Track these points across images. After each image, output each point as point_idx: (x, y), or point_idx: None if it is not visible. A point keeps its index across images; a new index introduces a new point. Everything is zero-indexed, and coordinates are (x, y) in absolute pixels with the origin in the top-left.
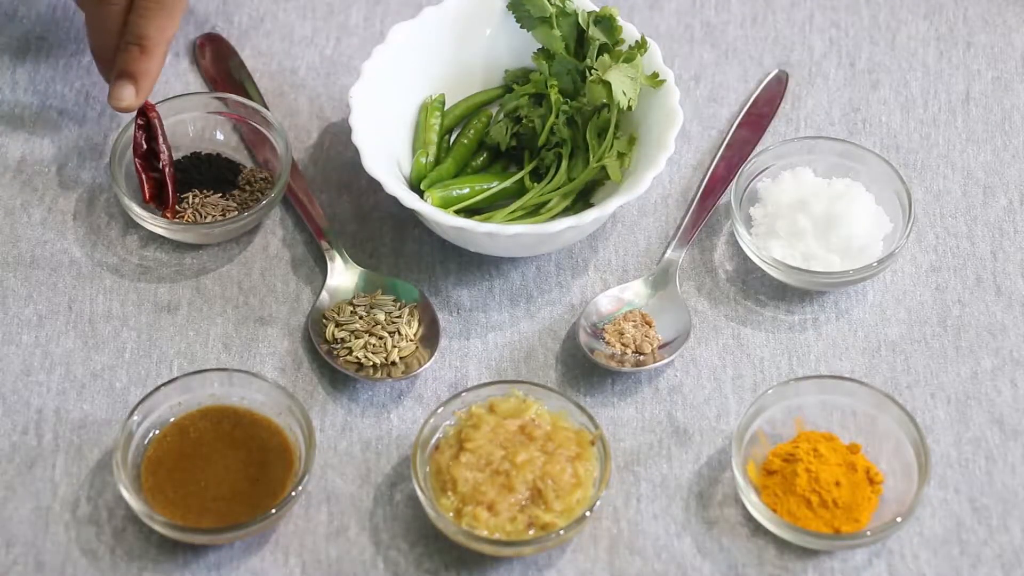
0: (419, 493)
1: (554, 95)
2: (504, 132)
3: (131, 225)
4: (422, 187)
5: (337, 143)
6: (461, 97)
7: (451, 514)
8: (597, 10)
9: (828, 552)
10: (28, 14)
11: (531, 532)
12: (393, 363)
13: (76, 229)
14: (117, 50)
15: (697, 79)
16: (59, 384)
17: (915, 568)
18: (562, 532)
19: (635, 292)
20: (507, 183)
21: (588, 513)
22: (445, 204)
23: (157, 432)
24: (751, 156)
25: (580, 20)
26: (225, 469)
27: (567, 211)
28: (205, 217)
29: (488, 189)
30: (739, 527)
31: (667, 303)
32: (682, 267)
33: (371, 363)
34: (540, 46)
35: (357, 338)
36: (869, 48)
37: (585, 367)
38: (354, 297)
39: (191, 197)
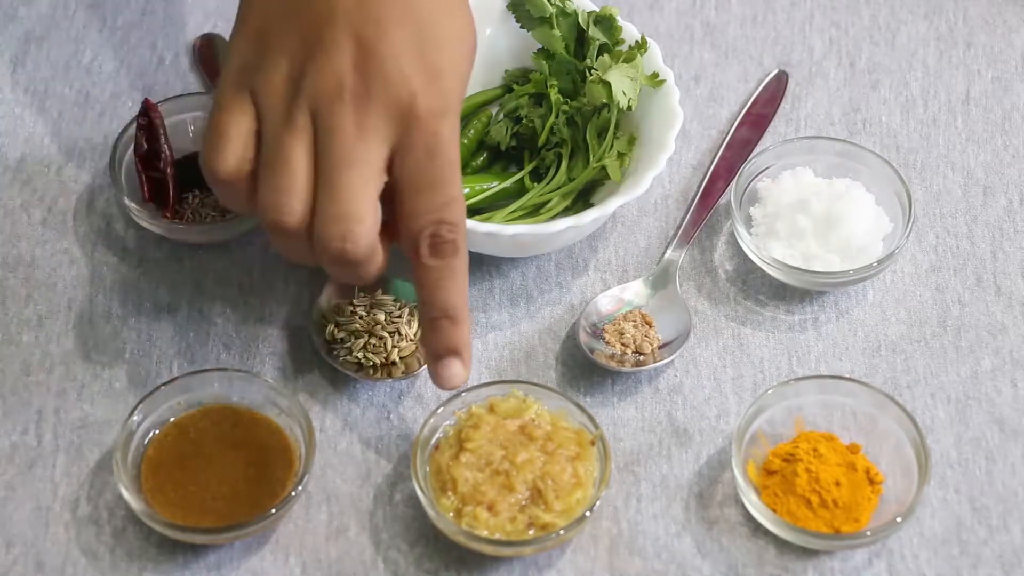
0: (419, 493)
1: (554, 95)
2: (504, 132)
3: (131, 225)
4: None
5: None
6: None
7: (451, 514)
8: (597, 10)
9: (828, 552)
10: (28, 14)
11: (531, 532)
12: (393, 363)
13: (76, 229)
14: (423, 328)
15: (697, 79)
16: (59, 384)
17: (915, 568)
18: (562, 532)
19: (635, 292)
20: (507, 183)
21: (588, 513)
22: None
23: (157, 432)
24: (751, 156)
25: (580, 20)
26: (225, 469)
27: (567, 211)
28: (205, 217)
29: (488, 189)
30: (739, 527)
31: (667, 303)
32: (682, 267)
33: (371, 363)
34: (540, 46)
35: (357, 338)
36: (869, 48)
37: (585, 367)
38: (354, 297)
39: (191, 197)
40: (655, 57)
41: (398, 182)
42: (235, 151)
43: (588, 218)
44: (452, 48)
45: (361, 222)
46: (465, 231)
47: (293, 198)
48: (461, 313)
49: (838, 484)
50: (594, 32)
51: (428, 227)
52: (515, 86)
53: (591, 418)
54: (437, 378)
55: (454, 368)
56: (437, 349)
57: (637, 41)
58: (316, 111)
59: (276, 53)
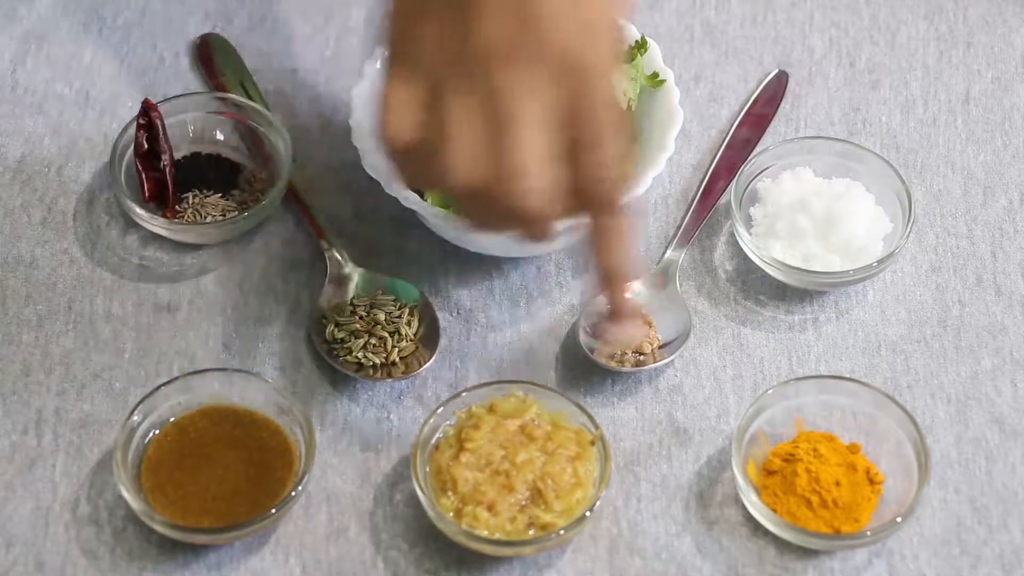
0: (419, 493)
1: None
2: None
3: (131, 225)
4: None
5: (337, 143)
6: None
7: (451, 514)
8: None
9: (828, 552)
10: (28, 14)
11: (531, 532)
12: (393, 363)
13: (76, 229)
14: (604, 290)
15: (697, 79)
16: (59, 384)
17: (915, 568)
18: (562, 532)
19: (635, 292)
20: None
21: (588, 513)
22: (445, 204)
23: (157, 432)
24: (751, 156)
25: None
26: (225, 469)
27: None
28: (205, 217)
29: None
30: (739, 527)
31: (667, 303)
32: (682, 267)
33: (371, 363)
34: None
35: (357, 338)
36: (869, 48)
37: (585, 367)
38: (354, 297)
39: (191, 197)
40: (655, 57)
41: (567, 140)
42: (407, 121)
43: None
44: (606, 4)
45: (534, 177)
46: (629, 188)
47: (469, 161)
48: (623, 274)
49: (838, 484)
50: None
51: (592, 185)
52: None
53: (591, 418)
54: (611, 337)
55: (626, 328)
56: (620, 312)
57: (637, 41)
58: (479, 74)
59: (432, 21)
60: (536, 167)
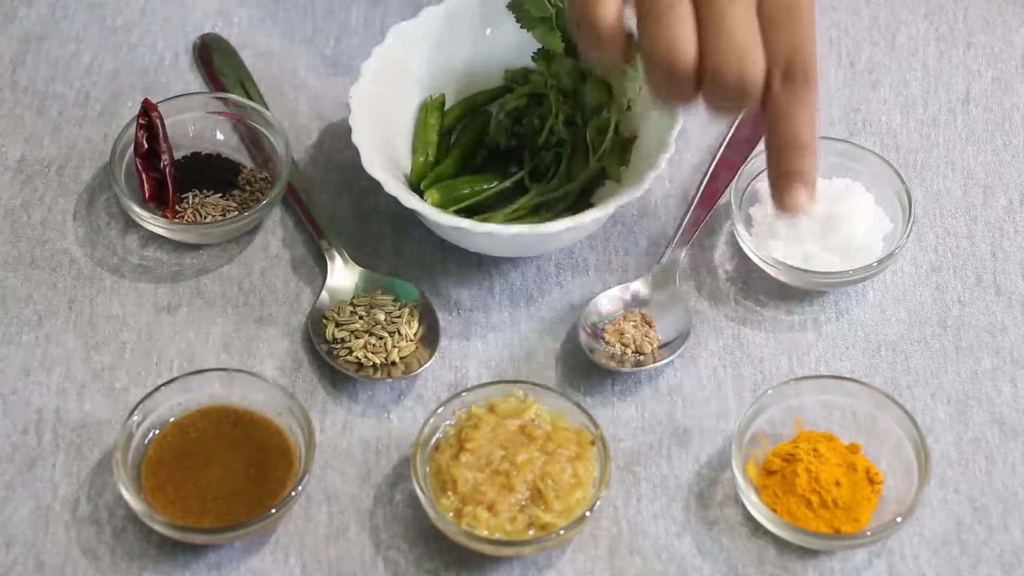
0: (419, 493)
1: (554, 95)
2: (504, 132)
3: (131, 225)
4: (422, 187)
5: (337, 143)
6: (461, 97)
7: (451, 514)
8: None
9: (828, 552)
10: (28, 14)
11: (531, 532)
12: (393, 363)
13: (76, 229)
14: (769, 160)
15: None
16: (59, 384)
17: (915, 568)
18: (562, 532)
19: (635, 292)
20: (507, 183)
21: (588, 513)
22: (444, 204)
23: (157, 432)
24: (751, 156)
25: None
26: (225, 469)
27: (567, 211)
28: (205, 217)
29: (488, 189)
30: (739, 527)
31: (667, 303)
32: (682, 267)
33: (371, 363)
34: (540, 46)
35: (357, 338)
36: (869, 48)
37: (585, 367)
38: (354, 297)
39: (191, 197)
40: None
41: (758, 14)
42: (615, 3)
43: (588, 218)
44: None
45: (751, 53)
46: (817, 66)
47: (687, 41)
48: (808, 143)
49: (838, 484)
50: None
51: (782, 55)
52: (515, 86)
53: (591, 418)
54: (783, 201)
55: (796, 191)
56: (785, 172)
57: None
58: None
59: None
60: (755, 42)
